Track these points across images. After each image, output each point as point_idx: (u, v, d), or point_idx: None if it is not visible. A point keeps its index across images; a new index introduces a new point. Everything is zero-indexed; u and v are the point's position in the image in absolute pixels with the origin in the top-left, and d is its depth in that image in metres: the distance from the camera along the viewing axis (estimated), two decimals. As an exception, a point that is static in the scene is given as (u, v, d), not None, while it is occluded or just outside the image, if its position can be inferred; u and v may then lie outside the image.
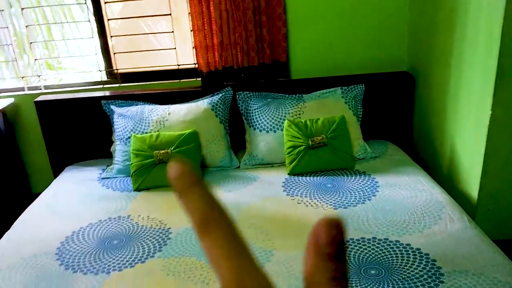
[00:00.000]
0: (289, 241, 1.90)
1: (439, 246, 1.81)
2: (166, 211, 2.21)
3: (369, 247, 1.84)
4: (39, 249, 1.93)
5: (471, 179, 2.30)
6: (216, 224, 0.34)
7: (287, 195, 2.30)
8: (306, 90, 2.84)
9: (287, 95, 2.81)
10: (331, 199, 2.24)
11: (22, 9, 2.94)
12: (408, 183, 2.33)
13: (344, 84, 2.83)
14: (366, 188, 2.32)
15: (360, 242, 1.88)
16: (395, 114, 2.96)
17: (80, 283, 1.70)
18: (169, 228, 2.05)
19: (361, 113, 2.81)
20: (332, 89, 2.81)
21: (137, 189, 2.42)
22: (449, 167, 2.53)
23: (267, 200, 2.26)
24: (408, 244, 1.84)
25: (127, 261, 1.83)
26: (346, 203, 2.19)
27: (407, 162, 2.60)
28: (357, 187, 2.33)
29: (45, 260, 1.86)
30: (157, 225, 2.09)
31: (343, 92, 2.78)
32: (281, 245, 1.88)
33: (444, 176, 2.56)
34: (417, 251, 1.79)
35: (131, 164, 2.46)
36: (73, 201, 2.35)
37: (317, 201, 2.22)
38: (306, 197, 2.27)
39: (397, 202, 2.16)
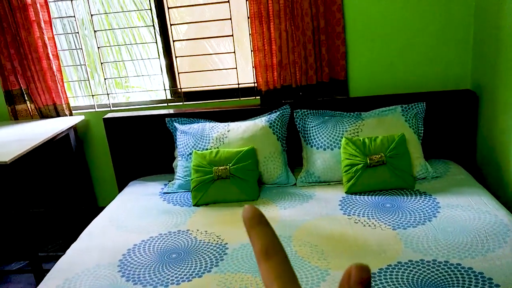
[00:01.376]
0: (345, 261, 1.86)
1: (503, 270, 1.71)
2: (224, 226, 2.24)
3: (428, 269, 1.78)
4: (102, 260, 2.03)
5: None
6: (273, 254, 0.43)
7: (343, 214, 2.27)
8: (364, 108, 2.80)
9: (345, 113, 2.78)
10: (389, 219, 2.17)
11: (95, 31, 3.15)
12: (471, 204, 2.22)
13: (404, 102, 2.76)
14: (427, 208, 2.23)
15: (419, 264, 1.81)
16: (458, 133, 2.84)
17: (141, 294, 1.76)
18: (226, 244, 2.08)
19: (422, 131, 2.72)
20: (392, 107, 2.74)
21: (196, 204, 2.49)
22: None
23: (323, 218, 2.24)
24: (470, 268, 1.75)
25: (184, 275, 1.88)
26: (406, 224, 2.12)
27: (470, 183, 2.47)
28: (417, 208, 2.25)
29: (108, 271, 1.95)
30: (214, 240, 2.13)
31: (403, 110, 2.71)
32: (337, 264, 1.85)
33: (510, 199, 2.41)
34: (480, 276, 1.70)
35: (191, 179, 2.53)
36: (135, 214, 2.45)
37: (375, 221, 2.17)
38: (363, 216, 2.22)
39: (459, 223, 2.06)
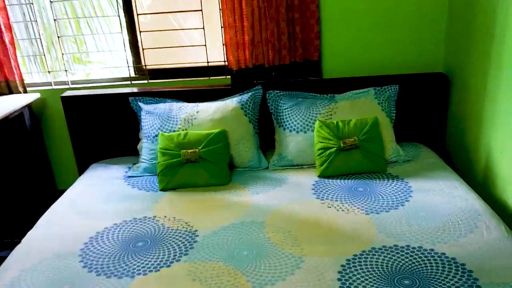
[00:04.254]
0: (320, 247, 1.81)
1: (476, 256, 1.70)
2: (193, 212, 2.14)
3: (402, 255, 1.75)
4: (62, 250, 1.88)
5: (509, 186, 2.16)
6: None
7: (317, 198, 2.21)
8: (338, 90, 2.73)
9: (318, 95, 2.71)
10: (362, 203, 2.13)
11: (51, 2, 2.91)
12: (442, 188, 2.22)
13: (378, 84, 2.72)
14: (399, 193, 2.21)
15: (393, 250, 1.78)
16: (429, 116, 2.84)
17: (103, 287, 1.64)
18: (196, 231, 1.98)
19: (394, 115, 2.69)
20: (365, 89, 2.70)
21: (163, 189, 2.36)
22: (485, 174, 2.38)
23: (296, 203, 2.17)
24: (443, 253, 1.74)
25: (152, 264, 1.76)
26: (378, 208, 2.09)
27: (441, 167, 2.47)
28: (390, 192, 2.22)
29: (68, 262, 1.80)
30: (183, 227, 2.02)
31: (377, 93, 2.67)
32: (311, 251, 1.79)
33: (479, 183, 2.43)
34: (453, 261, 1.69)
35: (158, 163, 2.39)
36: (97, 200, 2.30)
37: (348, 205, 2.12)
38: (336, 201, 2.17)
39: (431, 208, 2.05)
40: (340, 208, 2.11)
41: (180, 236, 1.95)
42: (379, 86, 2.70)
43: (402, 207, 2.09)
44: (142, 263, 1.78)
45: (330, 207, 2.12)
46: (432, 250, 1.76)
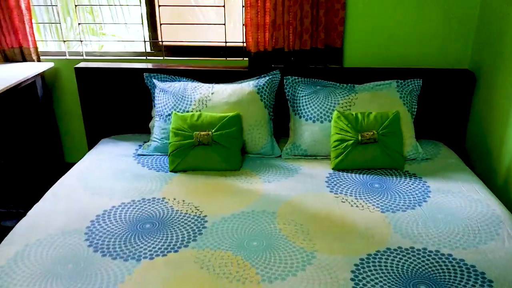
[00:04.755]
0: (333, 244, 1.75)
1: (496, 265, 1.64)
2: (203, 196, 2.08)
3: (419, 258, 1.69)
4: (68, 226, 1.84)
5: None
6: None
7: (330, 191, 2.14)
8: (359, 80, 2.64)
9: (338, 84, 2.62)
10: (378, 201, 2.07)
11: (70, -30, 2.82)
12: (462, 190, 2.15)
13: (400, 77, 2.63)
14: (417, 192, 2.14)
15: (409, 252, 1.72)
16: (450, 114, 2.75)
17: (109, 268, 1.60)
18: (205, 216, 1.93)
19: (416, 110, 2.60)
20: (387, 81, 2.60)
21: (174, 170, 2.31)
22: (507, 179, 2.30)
23: (309, 195, 2.11)
24: (461, 260, 1.67)
25: (159, 248, 1.72)
26: (395, 207, 2.02)
27: (461, 167, 2.39)
28: (407, 190, 2.15)
29: (73, 239, 1.76)
30: (192, 211, 1.97)
31: (399, 86, 2.58)
32: (324, 247, 1.73)
33: (499, 187, 2.35)
34: (472, 269, 1.63)
35: (170, 143, 2.34)
36: (106, 176, 2.25)
37: (363, 201, 2.06)
38: (351, 195, 2.11)
39: (450, 211, 1.98)
40: (355, 203, 2.05)
41: (189, 221, 1.90)
42: (401, 79, 2.60)
43: (420, 207, 2.02)
44: (149, 246, 1.74)
45: (344, 202, 2.06)
46: (450, 255, 1.70)
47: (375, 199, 2.08)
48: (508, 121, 2.31)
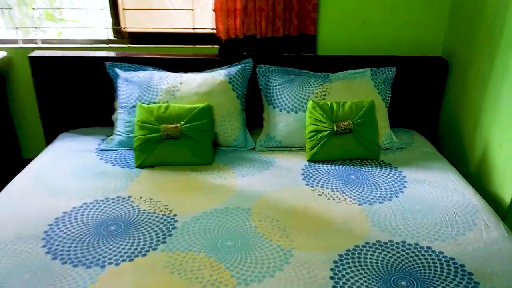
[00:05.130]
0: (310, 240, 1.67)
1: (476, 257, 1.60)
2: (172, 193, 1.95)
3: (398, 252, 1.63)
4: (23, 232, 1.67)
5: (505, 182, 2.07)
6: None
7: (306, 184, 2.06)
8: (333, 69, 2.56)
9: (312, 73, 2.52)
10: (355, 192, 2.00)
11: (21, -50, 2.59)
12: (437, 180, 2.11)
13: (374, 65, 2.56)
14: (393, 182, 2.08)
15: (388, 246, 1.66)
16: (423, 101, 2.72)
17: (69, 277, 1.45)
18: (175, 215, 1.80)
19: (390, 98, 2.54)
20: (361, 70, 2.54)
21: (140, 166, 2.16)
22: (480, 167, 2.29)
23: (285, 189, 2.01)
24: (441, 252, 1.63)
25: (125, 252, 1.58)
26: (371, 198, 1.96)
27: (435, 156, 2.36)
28: (383, 181, 2.09)
29: (29, 246, 1.60)
30: (161, 211, 1.83)
31: (373, 74, 2.51)
32: (301, 244, 1.64)
33: (472, 174, 2.33)
34: (451, 261, 1.58)
35: (135, 137, 2.18)
36: (65, 175, 2.08)
37: (340, 194, 1.98)
38: (327, 188, 2.03)
39: (427, 201, 1.94)
40: (331, 196, 1.96)
41: (158, 221, 1.77)
42: (375, 67, 2.54)
43: (396, 199, 1.96)
44: (114, 250, 1.59)
45: (320, 195, 1.97)
46: (429, 248, 1.65)
47: (351, 191, 2.01)
48: (481, 108, 2.29)
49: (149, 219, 1.78)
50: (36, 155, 2.29)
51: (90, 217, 1.78)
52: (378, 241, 1.68)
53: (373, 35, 2.67)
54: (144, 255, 1.58)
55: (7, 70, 2.70)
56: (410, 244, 1.67)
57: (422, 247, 1.65)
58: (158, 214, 1.81)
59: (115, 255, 1.57)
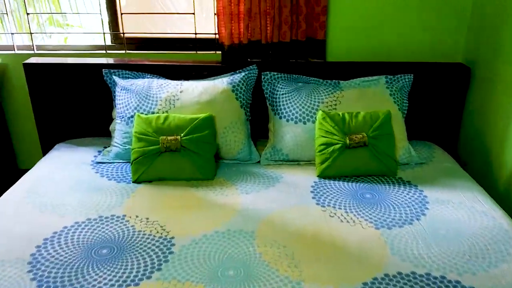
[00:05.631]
0: (321, 271, 1.50)
1: (511, 293, 1.41)
2: (170, 212, 1.80)
3: (422, 287, 1.44)
4: (9, 254, 1.54)
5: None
6: None
7: (317, 204, 1.90)
8: (344, 76, 2.40)
9: (321, 80, 2.37)
10: (371, 214, 1.83)
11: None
12: (463, 201, 1.93)
13: (389, 72, 2.40)
14: (413, 203, 1.91)
15: (411, 279, 1.48)
16: (442, 112, 2.53)
17: (53, 313, 1.31)
18: (172, 238, 1.65)
19: (407, 108, 2.37)
20: (375, 77, 2.37)
21: (137, 181, 2.02)
22: (509, 184, 2.10)
23: (292, 209, 1.85)
24: (472, 288, 1.44)
25: (116, 281, 1.44)
26: (390, 222, 1.78)
27: (458, 173, 2.18)
28: (402, 202, 1.92)
29: (14, 271, 1.46)
30: (157, 232, 1.69)
31: (388, 82, 2.34)
32: (311, 275, 1.48)
33: (501, 194, 2.14)
34: (486, 301, 1.39)
35: (132, 149, 2.04)
36: (60, 189, 1.95)
37: (354, 215, 1.82)
38: (340, 208, 1.86)
39: (452, 226, 1.75)
40: (345, 218, 1.80)
41: (153, 244, 1.62)
42: (390, 74, 2.37)
43: (418, 222, 1.78)
44: (105, 278, 1.45)
45: (332, 216, 1.81)
46: (458, 282, 1.46)
47: (367, 212, 1.84)
48: (509, 119, 2.11)
49: (144, 241, 1.63)
50: (33, 166, 2.17)
51: (81, 239, 1.64)
52: (399, 273, 1.50)
53: (387, 40, 2.51)
54: (137, 284, 1.43)
55: (2, 78, 2.57)
56: (435, 278, 1.48)
57: (450, 281, 1.46)
58: (154, 236, 1.66)
59: (105, 284, 1.42)
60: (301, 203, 1.90)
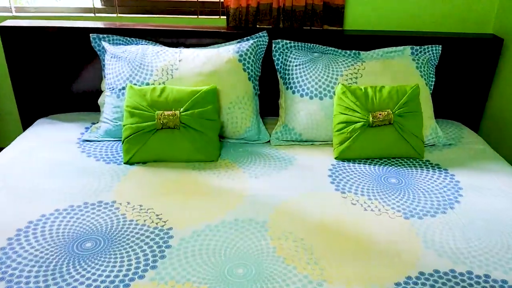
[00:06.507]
0: (346, 269, 1.27)
1: None
2: (168, 199, 1.55)
3: (464, 287, 1.20)
4: (-29, 251, 1.29)
5: None
6: None
7: (336, 189, 1.65)
8: (363, 46, 2.13)
9: (339, 50, 2.10)
10: (398, 201, 1.59)
11: None
12: (499, 186, 1.70)
13: (412, 43, 2.13)
14: (445, 189, 1.68)
15: (450, 279, 1.24)
16: (467, 88, 2.28)
17: (21, 324, 1.06)
18: (170, 229, 1.40)
19: (433, 83, 2.11)
20: (399, 47, 2.11)
21: (129, 162, 1.75)
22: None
23: (309, 195, 1.61)
24: (522, 288, 1.22)
25: (102, 281, 1.19)
26: (420, 210, 1.54)
27: (492, 156, 1.95)
28: (432, 187, 1.68)
29: (-24, 272, 1.21)
30: (152, 222, 1.43)
31: (414, 53, 2.09)
32: (334, 274, 1.25)
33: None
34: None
35: (124, 125, 1.77)
36: (39, 171, 1.68)
37: (379, 203, 1.57)
38: (363, 195, 1.62)
39: (491, 215, 1.53)
40: (369, 206, 1.56)
41: (147, 237, 1.36)
42: (415, 45, 2.10)
43: (452, 211, 1.55)
44: (88, 278, 1.20)
45: (355, 204, 1.56)
46: (505, 282, 1.24)
47: (394, 199, 1.60)
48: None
49: (137, 233, 1.38)
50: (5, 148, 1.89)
51: (62, 229, 1.38)
52: (436, 271, 1.27)
53: (411, 8, 2.23)
54: (127, 285, 1.18)
55: (-23, 43, 2.28)
56: (479, 276, 1.26)
57: (495, 281, 1.24)
58: (148, 226, 1.41)
59: (87, 285, 1.17)
60: (318, 188, 1.65)
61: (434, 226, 1.47)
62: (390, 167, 1.81)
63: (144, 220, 1.44)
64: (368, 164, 1.83)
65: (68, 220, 1.43)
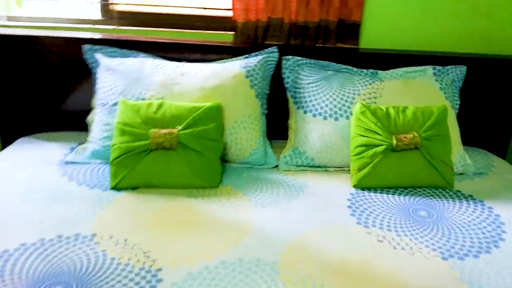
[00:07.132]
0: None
1: None
2: (157, 232, 1.31)
3: None
4: None
5: None
6: None
7: (358, 223, 1.41)
8: (380, 65, 1.95)
9: (355, 69, 1.90)
10: (431, 238, 1.37)
11: None
12: (545, 222, 1.46)
13: (433, 63, 1.96)
14: (484, 224, 1.46)
15: (505, 337, 0.98)
16: (491, 113, 2.10)
17: None
18: (159, 270, 1.15)
19: (458, 106, 1.91)
20: (420, 67, 1.92)
21: (117, 187, 1.52)
22: None
23: (326, 230, 1.37)
24: None
25: (69, 338, 0.93)
26: (460, 249, 1.32)
27: (528, 187, 1.71)
28: (469, 222, 1.46)
29: None
30: (138, 261, 1.18)
31: (437, 74, 1.89)
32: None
33: None
34: None
35: (113, 145, 1.55)
36: (8, 196, 1.45)
37: (410, 240, 1.34)
38: (390, 230, 1.38)
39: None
40: (398, 244, 1.31)
41: (131, 279, 1.11)
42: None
43: (496, 250, 1.32)
44: (53, 331, 0.94)
45: (381, 241, 1.32)
46: None
47: (426, 235, 1.37)
48: None
49: (118, 275, 1.13)
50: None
51: (27, 269, 1.14)
52: (485, 325, 1.02)
53: (433, 27, 2.06)
54: None
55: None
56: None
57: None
58: (133, 266, 1.16)
59: None
60: (336, 221, 1.41)
61: (479, 269, 1.23)
62: (417, 198, 1.58)
63: (129, 259, 1.19)
64: (392, 194, 1.60)
65: (36, 257, 1.18)
